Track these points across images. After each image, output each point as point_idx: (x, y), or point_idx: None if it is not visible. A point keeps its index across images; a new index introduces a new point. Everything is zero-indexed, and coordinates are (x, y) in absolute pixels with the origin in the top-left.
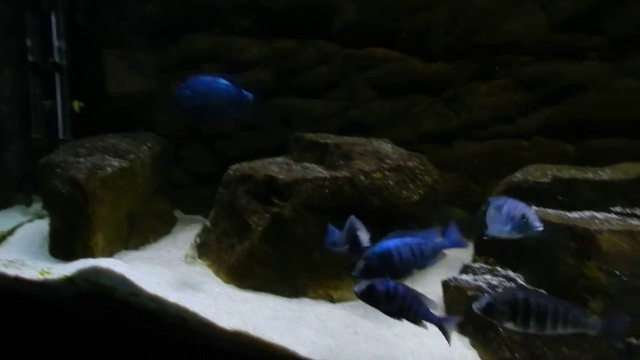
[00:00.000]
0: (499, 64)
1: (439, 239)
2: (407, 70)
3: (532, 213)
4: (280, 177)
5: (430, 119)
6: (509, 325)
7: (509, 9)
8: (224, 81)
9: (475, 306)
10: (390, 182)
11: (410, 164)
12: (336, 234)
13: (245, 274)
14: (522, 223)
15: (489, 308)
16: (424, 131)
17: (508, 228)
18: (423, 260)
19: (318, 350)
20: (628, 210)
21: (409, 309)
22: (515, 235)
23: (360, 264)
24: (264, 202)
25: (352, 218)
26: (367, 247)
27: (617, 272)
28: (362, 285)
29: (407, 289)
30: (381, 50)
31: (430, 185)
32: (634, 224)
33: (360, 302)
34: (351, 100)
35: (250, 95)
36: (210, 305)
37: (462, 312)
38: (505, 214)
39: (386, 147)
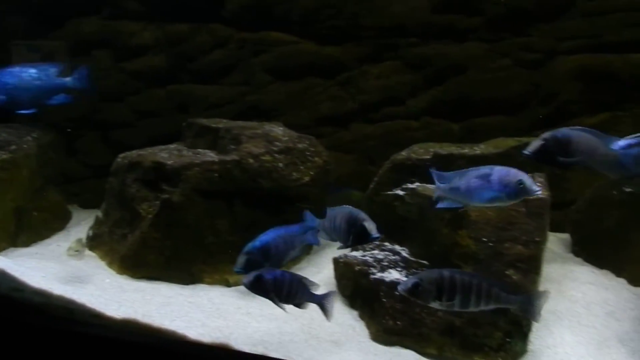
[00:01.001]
0: (386, 46)
1: (307, 235)
2: (301, 54)
3: (528, 178)
4: (169, 162)
5: (326, 102)
6: (435, 305)
7: None
8: (33, 70)
9: (401, 287)
10: (280, 164)
11: (300, 145)
12: (315, 220)
13: (138, 264)
14: (520, 189)
15: (415, 288)
16: (320, 114)
17: (503, 195)
18: (294, 251)
19: (208, 332)
20: None
21: (295, 294)
22: (510, 202)
23: (242, 258)
24: (153, 189)
25: (351, 208)
26: (377, 238)
27: (484, 239)
28: (250, 276)
29: (292, 275)
30: (275, 33)
31: (321, 166)
32: None
33: None
34: (248, 84)
35: (67, 81)
36: (99, 296)
37: (351, 286)
38: (497, 182)
39: (277, 130)
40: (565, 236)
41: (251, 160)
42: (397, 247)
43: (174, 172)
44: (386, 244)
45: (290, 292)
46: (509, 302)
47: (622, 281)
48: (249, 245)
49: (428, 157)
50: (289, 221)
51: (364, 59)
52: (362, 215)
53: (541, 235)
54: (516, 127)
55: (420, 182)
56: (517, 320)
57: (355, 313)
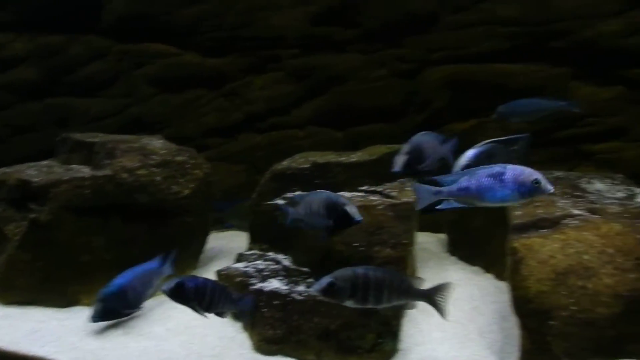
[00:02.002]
0: (269, 58)
1: (163, 267)
2: (184, 65)
3: (543, 177)
4: (35, 180)
5: (212, 114)
6: (349, 303)
7: (273, 4)
8: None
9: (316, 288)
10: (158, 178)
11: (179, 158)
12: (291, 211)
13: (7, 288)
14: (535, 187)
15: (330, 287)
16: (207, 126)
17: (516, 194)
18: (152, 289)
19: (82, 355)
20: (372, 188)
21: (217, 302)
22: (522, 201)
23: (98, 306)
24: (20, 208)
25: (328, 192)
26: (360, 222)
27: (356, 244)
28: (171, 283)
29: (214, 283)
30: (156, 45)
31: (201, 178)
32: (371, 199)
33: None
34: (130, 97)
35: None
36: None
37: None
38: (512, 181)
39: (155, 143)
40: (444, 236)
41: (125, 175)
42: (280, 256)
43: (41, 190)
44: (269, 253)
45: (212, 300)
46: (419, 296)
47: (489, 276)
48: (104, 291)
49: (307, 165)
50: (169, 235)
51: (247, 70)
52: (342, 199)
53: (409, 237)
54: (396, 134)
55: (302, 191)
56: (387, 321)
57: (238, 325)
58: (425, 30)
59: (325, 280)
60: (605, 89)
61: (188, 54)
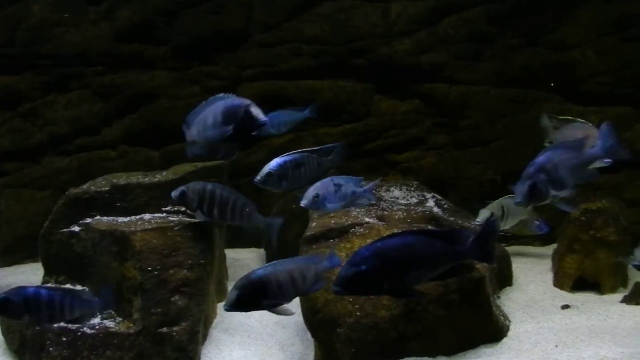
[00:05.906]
0: (71, 75)
1: None
2: None
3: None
4: None
5: (7, 136)
6: (198, 215)
7: (71, 20)
8: None
9: (173, 194)
10: None
11: None
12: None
13: None
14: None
15: (182, 196)
16: (1, 149)
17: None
18: None
19: None
20: (176, 208)
21: (63, 310)
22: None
23: None
24: None
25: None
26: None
27: (149, 268)
28: None
29: (53, 290)
30: None
31: None
32: (169, 220)
33: None
34: None
35: None
36: None
37: (18, 340)
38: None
39: None
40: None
41: None
42: (78, 287)
43: None
44: (66, 285)
45: (52, 309)
46: (258, 221)
47: None
48: None
49: (107, 188)
50: None
51: (48, 89)
52: (244, 100)
53: (207, 257)
54: None
55: (101, 215)
56: (182, 347)
57: None
58: (236, 47)
59: (180, 188)
60: (404, 103)
61: None
